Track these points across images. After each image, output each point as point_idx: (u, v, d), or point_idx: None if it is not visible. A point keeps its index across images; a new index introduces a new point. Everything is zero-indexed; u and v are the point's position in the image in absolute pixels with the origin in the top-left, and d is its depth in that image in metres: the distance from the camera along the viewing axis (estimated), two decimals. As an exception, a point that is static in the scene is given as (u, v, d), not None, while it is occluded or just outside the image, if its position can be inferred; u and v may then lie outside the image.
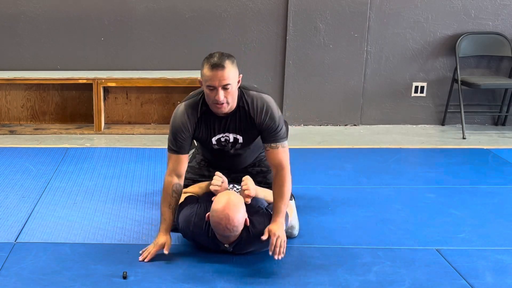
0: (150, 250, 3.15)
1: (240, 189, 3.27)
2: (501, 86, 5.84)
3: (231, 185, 3.34)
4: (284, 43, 5.84)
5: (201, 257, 3.17)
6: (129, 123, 5.95)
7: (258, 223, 3.10)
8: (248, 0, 5.76)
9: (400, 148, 5.28)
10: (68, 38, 5.80)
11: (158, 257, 3.15)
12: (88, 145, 5.29)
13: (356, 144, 5.41)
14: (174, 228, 3.26)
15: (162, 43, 5.84)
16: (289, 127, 5.89)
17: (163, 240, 3.15)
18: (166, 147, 3.24)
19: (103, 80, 5.57)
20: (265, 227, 3.08)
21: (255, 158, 3.50)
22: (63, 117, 5.92)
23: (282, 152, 3.16)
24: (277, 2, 5.76)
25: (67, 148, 5.14)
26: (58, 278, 2.95)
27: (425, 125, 6.07)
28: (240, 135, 3.21)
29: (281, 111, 5.93)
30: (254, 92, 3.18)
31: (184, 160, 3.21)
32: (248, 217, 3.07)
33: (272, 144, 3.14)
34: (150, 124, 5.94)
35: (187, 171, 3.38)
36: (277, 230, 3.02)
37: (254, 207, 3.18)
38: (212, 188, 3.22)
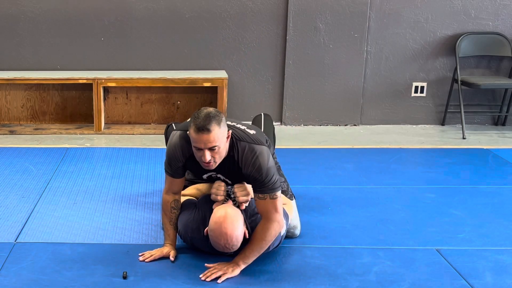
0: (154, 253, 3.15)
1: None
2: (501, 86, 5.84)
3: (229, 187, 3.32)
4: (284, 43, 5.84)
5: (201, 257, 3.17)
6: (129, 123, 5.95)
7: None
8: (248, 0, 5.76)
9: (400, 148, 5.28)
10: (68, 38, 5.80)
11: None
12: (88, 145, 5.29)
13: (356, 144, 5.41)
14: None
15: (162, 43, 5.84)
16: (289, 127, 5.93)
17: (169, 249, 3.17)
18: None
19: (103, 80, 5.57)
20: None
21: None
22: (63, 117, 5.92)
23: (270, 204, 3.04)
24: (277, 2, 5.77)
25: (67, 148, 5.14)
26: (58, 278, 2.95)
27: (425, 125, 6.07)
28: (229, 179, 3.21)
29: (281, 111, 6.01)
30: (245, 144, 3.07)
31: (180, 182, 3.23)
32: (247, 227, 3.05)
33: (260, 195, 3.06)
34: (150, 124, 5.95)
35: (186, 173, 3.39)
36: (225, 266, 2.99)
37: (252, 209, 3.17)
38: (213, 198, 3.21)
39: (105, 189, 4.20)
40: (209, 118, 2.88)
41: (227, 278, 2.95)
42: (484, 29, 5.86)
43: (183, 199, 3.34)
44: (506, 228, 3.62)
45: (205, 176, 3.24)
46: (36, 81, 5.65)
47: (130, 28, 5.80)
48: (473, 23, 5.84)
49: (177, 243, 3.26)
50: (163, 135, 4.06)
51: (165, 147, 3.33)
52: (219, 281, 2.93)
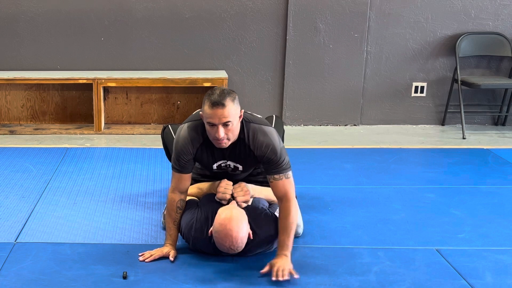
0: (154, 253, 3.15)
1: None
2: (501, 86, 5.84)
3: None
4: (284, 43, 5.84)
5: (201, 257, 3.17)
6: (129, 123, 5.95)
7: (262, 231, 3.10)
8: (248, 0, 5.76)
9: (400, 148, 5.28)
10: (68, 38, 5.80)
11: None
12: (88, 145, 5.29)
13: (356, 144, 5.41)
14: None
15: (162, 43, 5.84)
16: (289, 127, 5.93)
17: (169, 249, 3.17)
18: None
19: (103, 80, 5.57)
20: (269, 231, 3.11)
21: None
22: (63, 117, 5.92)
23: (287, 183, 3.12)
24: (277, 2, 5.77)
25: (67, 148, 5.14)
26: (58, 278, 2.95)
27: (425, 125, 6.07)
28: (240, 164, 3.22)
29: (281, 111, 6.01)
30: (256, 125, 3.13)
31: (187, 178, 3.22)
32: (251, 227, 3.06)
33: (275, 176, 3.11)
34: (150, 124, 5.95)
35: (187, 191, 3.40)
36: (278, 262, 2.98)
37: (255, 208, 3.18)
38: (219, 197, 3.21)
39: (105, 189, 4.20)
40: (224, 94, 2.96)
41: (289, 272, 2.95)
42: (484, 29, 5.86)
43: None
44: (506, 228, 3.62)
45: (215, 166, 3.24)
46: (36, 81, 5.65)
47: (130, 28, 5.80)
48: (473, 23, 5.84)
49: (177, 243, 3.26)
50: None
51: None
52: (286, 277, 2.91)
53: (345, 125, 6.04)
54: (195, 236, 3.15)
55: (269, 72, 5.91)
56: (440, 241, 3.43)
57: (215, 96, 2.96)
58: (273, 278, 2.91)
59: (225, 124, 2.97)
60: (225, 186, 3.23)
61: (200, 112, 3.08)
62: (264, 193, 3.33)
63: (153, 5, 5.76)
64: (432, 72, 5.97)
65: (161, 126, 5.76)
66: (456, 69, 5.79)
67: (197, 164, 3.41)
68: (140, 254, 3.16)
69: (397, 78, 5.97)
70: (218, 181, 3.31)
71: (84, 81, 5.60)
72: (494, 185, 4.35)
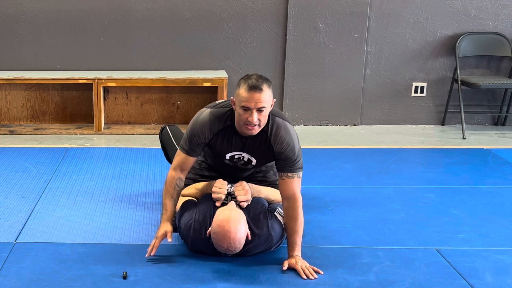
0: (153, 244, 3.13)
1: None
2: (501, 86, 5.84)
3: (229, 185, 3.33)
4: (284, 43, 5.84)
5: (201, 257, 3.17)
6: (129, 123, 5.95)
7: (261, 231, 3.09)
8: (248, 0, 5.76)
9: (400, 148, 5.28)
10: (68, 38, 5.80)
11: (158, 257, 3.14)
12: (88, 145, 5.29)
13: (356, 144, 5.42)
14: (173, 229, 3.26)
15: (162, 43, 5.84)
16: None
17: (164, 229, 3.14)
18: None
19: (103, 80, 5.57)
20: (268, 231, 3.10)
21: None
22: (63, 117, 5.92)
23: (297, 182, 3.13)
24: (277, 2, 5.77)
25: (67, 148, 5.14)
26: (58, 278, 2.95)
27: (425, 125, 6.07)
28: (255, 158, 3.21)
29: (281, 111, 5.99)
30: (280, 120, 3.13)
31: (191, 161, 3.23)
32: (249, 227, 3.05)
33: (289, 174, 3.11)
34: (150, 124, 5.95)
35: (198, 163, 3.39)
36: (299, 262, 3.02)
37: (254, 208, 3.17)
38: (214, 196, 3.21)
39: (105, 189, 4.20)
40: (261, 79, 2.97)
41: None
42: (484, 29, 5.86)
43: (182, 199, 3.34)
44: (506, 228, 3.62)
45: (228, 156, 3.22)
46: (36, 81, 5.65)
47: (130, 28, 5.80)
48: (473, 23, 5.85)
49: (177, 243, 3.26)
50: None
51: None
52: (315, 275, 2.97)
53: (345, 125, 6.04)
54: (194, 237, 3.15)
55: (269, 72, 5.91)
56: (440, 241, 3.43)
57: (252, 80, 2.95)
58: (304, 277, 2.95)
59: (260, 110, 2.95)
60: (220, 186, 3.22)
61: (232, 98, 3.06)
62: (264, 192, 3.33)
63: (153, 5, 5.76)
64: (432, 72, 5.97)
65: (161, 126, 5.77)
66: (456, 69, 5.79)
67: (200, 158, 3.38)
68: (146, 255, 3.13)
69: (397, 78, 5.97)
70: (214, 181, 3.31)
71: (84, 81, 5.60)
72: (494, 185, 4.35)
